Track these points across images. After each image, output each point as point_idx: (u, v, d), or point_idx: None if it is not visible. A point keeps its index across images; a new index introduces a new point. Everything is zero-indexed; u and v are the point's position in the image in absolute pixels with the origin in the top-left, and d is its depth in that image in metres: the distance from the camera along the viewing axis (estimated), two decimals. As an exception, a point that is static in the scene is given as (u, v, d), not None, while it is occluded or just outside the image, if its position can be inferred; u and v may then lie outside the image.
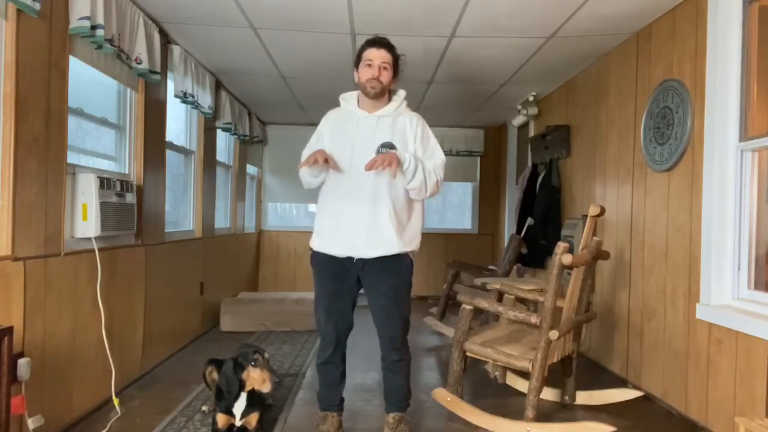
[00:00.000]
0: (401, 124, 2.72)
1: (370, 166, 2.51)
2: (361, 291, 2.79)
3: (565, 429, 3.08)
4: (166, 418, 3.09)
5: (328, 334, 2.77)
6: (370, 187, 2.63)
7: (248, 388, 2.72)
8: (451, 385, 3.22)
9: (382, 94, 2.68)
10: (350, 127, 2.71)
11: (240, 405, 2.76)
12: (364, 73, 2.65)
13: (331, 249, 2.71)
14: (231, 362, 2.73)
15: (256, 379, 2.69)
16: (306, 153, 2.80)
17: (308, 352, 4.60)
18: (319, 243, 2.75)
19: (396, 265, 2.70)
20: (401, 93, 2.78)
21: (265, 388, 2.70)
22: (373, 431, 2.99)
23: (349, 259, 2.69)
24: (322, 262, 2.75)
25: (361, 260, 2.68)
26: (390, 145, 2.66)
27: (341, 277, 2.72)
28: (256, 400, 2.80)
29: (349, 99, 2.79)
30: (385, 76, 2.64)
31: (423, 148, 2.71)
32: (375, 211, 2.63)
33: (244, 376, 2.70)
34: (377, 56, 2.64)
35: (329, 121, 2.81)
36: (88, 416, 3.05)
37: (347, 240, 2.67)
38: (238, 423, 2.77)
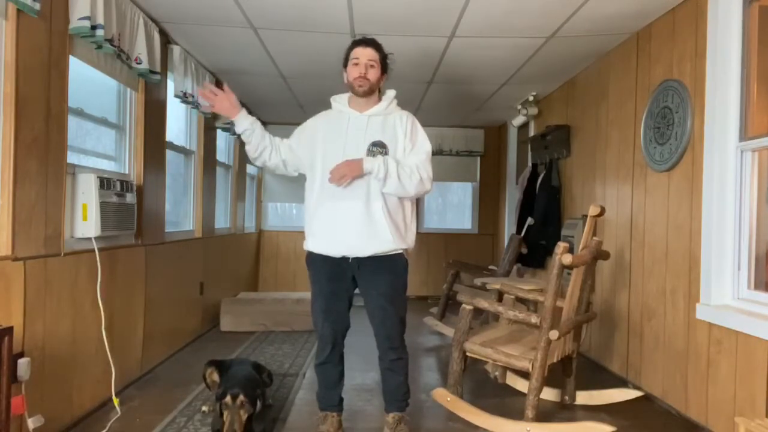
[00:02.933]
0: (392, 122, 2.73)
1: (335, 179, 2.59)
2: (357, 291, 2.80)
3: (565, 429, 3.08)
4: (166, 418, 3.09)
5: (325, 335, 2.77)
6: (362, 185, 2.64)
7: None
8: (451, 385, 3.22)
9: (371, 92, 2.70)
10: (342, 127, 2.72)
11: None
12: (351, 72, 2.68)
13: (325, 249, 2.71)
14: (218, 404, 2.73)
15: (227, 422, 2.65)
16: (286, 142, 2.86)
17: (308, 352, 4.60)
18: (314, 244, 2.75)
19: (391, 264, 2.71)
20: (391, 93, 2.79)
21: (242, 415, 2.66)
22: (373, 431, 2.99)
23: (344, 258, 2.70)
24: (318, 262, 2.75)
25: (357, 260, 2.68)
26: (381, 144, 2.67)
27: (337, 278, 2.73)
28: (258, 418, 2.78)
29: (340, 100, 2.81)
30: (372, 74, 2.66)
31: (412, 144, 2.73)
32: (368, 209, 2.64)
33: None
34: (363, 54, 2.66)
35: (320, 121, 2.83)
36: (88, 416, 3.05)
37: (342, 239, 2.67)
38: None
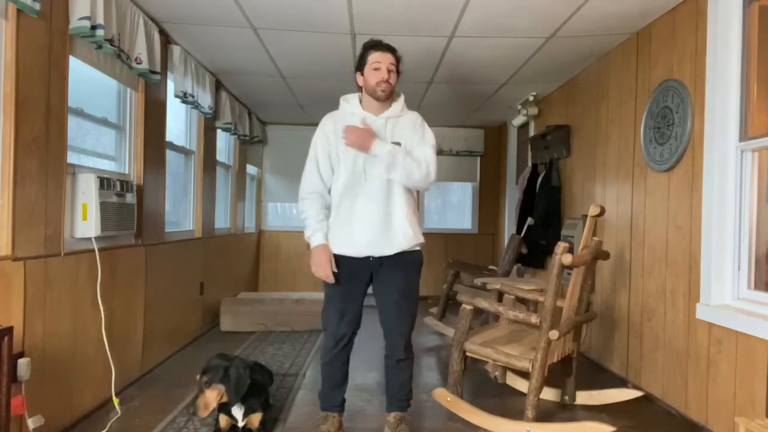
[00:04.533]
0: (403, 122, 2.77)
1: (348, 140, 2.62)
2: (368, 291, 2.81)
3: (565, 429, 3.08)
4: (166, 418, 3.09)
5: (339, 335, 2.76)
6: (381, 185, 2.66)
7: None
8: (451, 385, 3.22)
9: (390, 96, 2.72)
10: None
11: (238, 410, 2.77)
12: (373, 77, 2.66)
13: (348, 250, 2.71)
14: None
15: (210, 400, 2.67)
16: (310, 168, 2.76)
17: (308, 352, 4.60)
18: (334, 244, 2.73)
19: (410, 262, 2.75)
20: (402, 95, 2.82)
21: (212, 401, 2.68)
22: (373, 431, 2.99)
23: (366, 258, 2.71)
24: (337, 263, 2.73)
25: (379, 258, 2.70)
26: (398, 145, 2.70)
27: (355, 277, 2.73)
28: (257, 397, 2.80)
29: (350, 100, 2.79)
30: (393, 79, 2.69)
31: (419, 137, 2.75)
32: (388, 209, 2.68)
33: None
34: (384, 59, 2.67)
35: (328, 127, 2.77)
36: (88, 416, 3.06)
37: (365, 239, 2.68)
38: (240, 424, 2.78)
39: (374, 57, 2.67)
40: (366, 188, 2.67)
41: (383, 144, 2.64)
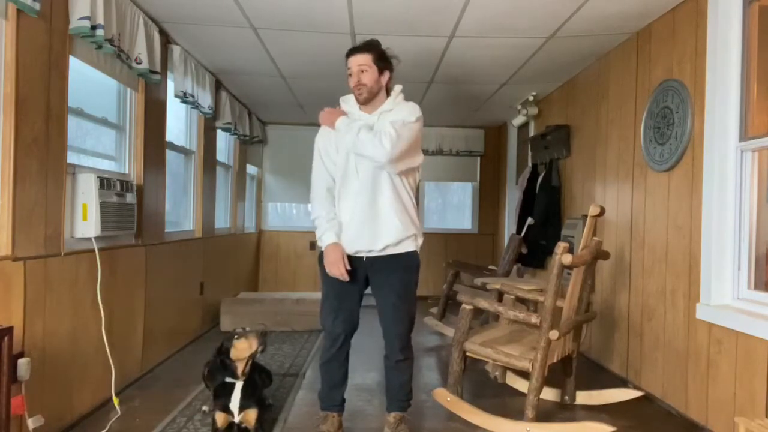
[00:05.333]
0: (394, 114, 2.71)
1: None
2: (367, 291, 2.81)
3: (565, 429, 3.08)
4: (166, 418, 3.09)
5: (334, 333, 2.77)
6: (368, 179, 2.66)
7: (240, 368, 2.78)
8: (451, 385, 3.23)
9: (372, 96, 2.69)
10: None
11: (235, 400, 2.78)
12: (350, 83, 2.70)
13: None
14: (216, 352, 2.87)
15: (244, 348, 2.77)
16: (316, 167, 2.79)
17: (308, 352, 4.60)
18: None
19: (405, 263, 2.73)
20: (398, 87, 2.79)
21: (253, 347, 2.77)
22: (373, 431, 2.99)
23: (360, 258, 2.71)
24: None
25: (371, 258, 2.70)
26: None
27: (350, 276, 2.73)
28: (251, 394, 2.82)
29: (348, 101, 2.80)
30: (367, 77, 2.66)
31: (396, 113, 2.70)
32: (375, 201, 2.66)
33: (232, 356, 2.77)
34: (353, 62, 2.68)
35: (326, 130, 2.79)
36: (88, 416, 3.06)
37: (352, 233, 2.68)
38: (236, 419, 2.78)
39: (348, 63, 2.70)
40: (356, 185, 2.67)
41: (346, 119, 2.68)
